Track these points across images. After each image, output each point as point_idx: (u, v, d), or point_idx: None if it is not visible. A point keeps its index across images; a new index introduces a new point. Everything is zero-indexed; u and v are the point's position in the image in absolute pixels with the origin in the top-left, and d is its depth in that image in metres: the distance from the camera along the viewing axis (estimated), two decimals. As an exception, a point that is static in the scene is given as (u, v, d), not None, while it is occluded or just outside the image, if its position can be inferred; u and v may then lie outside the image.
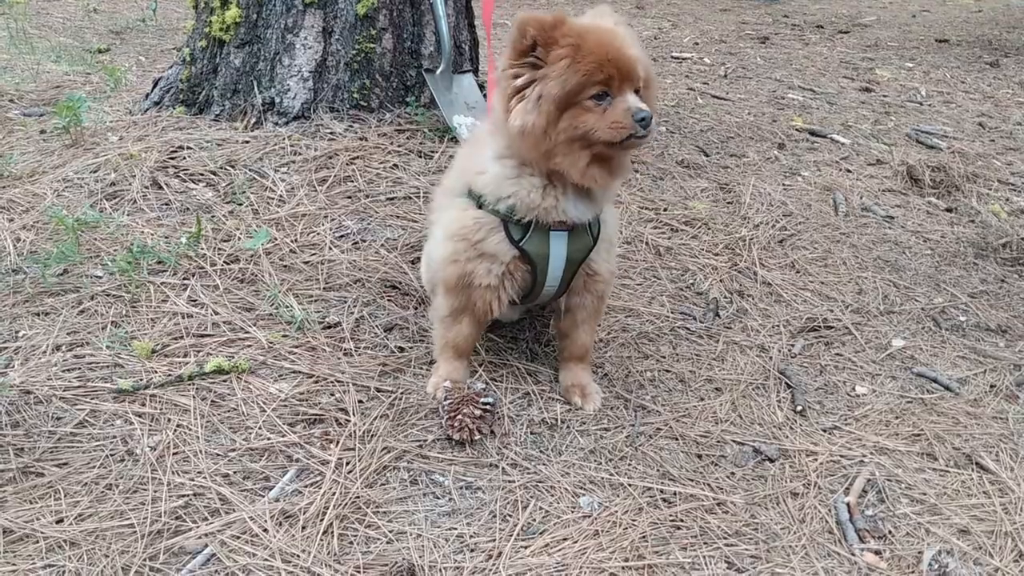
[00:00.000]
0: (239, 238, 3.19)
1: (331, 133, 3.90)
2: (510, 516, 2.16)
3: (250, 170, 3.60)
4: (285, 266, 3.10)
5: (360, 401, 2.51)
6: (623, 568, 2.02)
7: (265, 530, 2.03)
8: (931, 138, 5.27)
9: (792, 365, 2.91)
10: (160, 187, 3.47)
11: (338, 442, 2.33)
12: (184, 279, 2.96)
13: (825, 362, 2.96)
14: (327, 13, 3.96)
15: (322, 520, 2.08)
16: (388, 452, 2.32)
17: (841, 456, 2.48)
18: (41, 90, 4.90)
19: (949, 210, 4.32)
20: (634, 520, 2.17)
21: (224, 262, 3.06)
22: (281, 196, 3.47)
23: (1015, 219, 4.20)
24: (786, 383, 2.81)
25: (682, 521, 2.19)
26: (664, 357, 2.90)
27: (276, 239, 3.21)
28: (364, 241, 3.29)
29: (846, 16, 10.33)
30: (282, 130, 3.91)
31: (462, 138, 4.00)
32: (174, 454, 2.24)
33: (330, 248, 3.21)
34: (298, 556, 1.97)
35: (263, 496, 2.14)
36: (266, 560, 1.95)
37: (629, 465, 2.38)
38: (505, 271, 2.40)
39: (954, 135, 5.46)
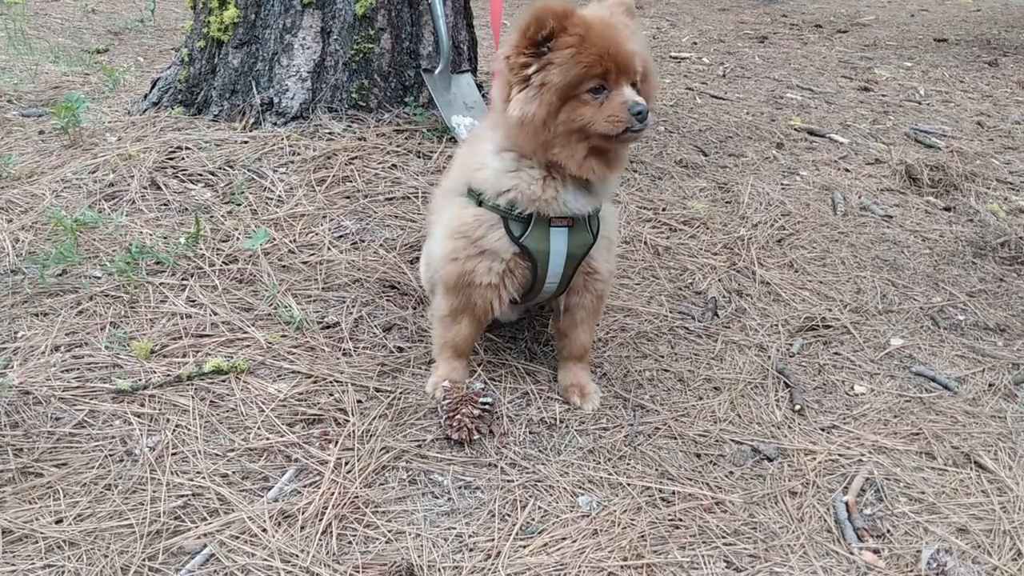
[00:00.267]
0: (238, 238, 3.19)
1: (330, 133, 3.90)
2: (509, 516, 2.16)
3: (249, 170, 3.60)
4: (284, 266, 3.10)
5: (359, 401, 2.51)
6: (622, 567, 2.02)
7: (264, 530, 2.03)
8: (930, 137, 5.28)
9: (791, 364, 2.91)
10: (159, 187, 3.47)
11: (337, 442, 2.33)
12: (183, 279, 2.96)
13: (824, 361, 2.96)
14: (325, 13, 3.96)
15: (321, 520, 2.08)
16: (387, 452, 2.32)
17: (839, 455, 2.49)
18: (39, 90, 4.90)
19: (947, 209, 4.32)
20: (633, 519, 2.17)
21: (223, 262, 3.06)
22: (280, 196, 3.48)
23: (1013, 218, 4.20)
24: (785, 382, 2.81)
25: (681, 520, 2.19)
26: (663, 356, 2.90)
27: (275, 239, 3.21)
28: (363, 241, 3.29)
29: (844, 15, 10.34)
30: (280, 130, 3.91)
31: (460, 138, 4.00)
32: (173, 454, 2.24)
33: (329, 248, 3.21)
34: (297, 556, 1.98)
35: (262, 496, 2.14)
36: (265, 560, 1.95)
37: (628, 464, 2.38)
38: (505, 269, 2.40)
39: (953, 134, 5.46)
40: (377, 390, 2.56)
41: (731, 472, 2.40)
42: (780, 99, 5.95)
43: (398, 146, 3.91)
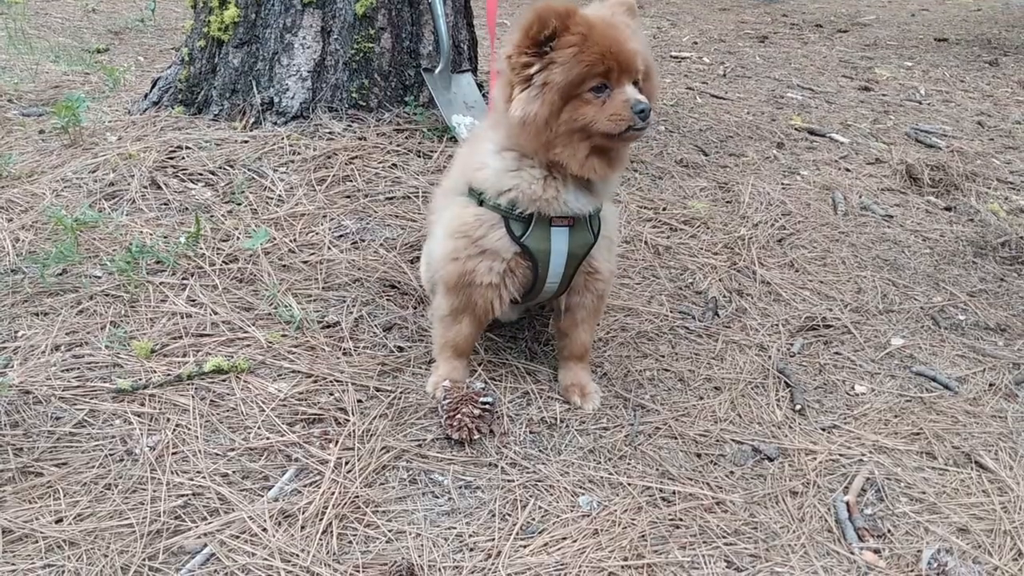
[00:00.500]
0: (238, 238, 3.19)
1: (330, 133, 3.90)
2: (509, 515, 2.16)
3: (249, 170, 3.60)
4: (284, 266, 3.09)
5: (359, 400, 2.51)
6: (622, 567, 2.02)
7: (264, 530, 2.03)
8: (930, 137, 5.28)
9: (791, 364, 2.91)
10: (159, 187, 3.47)
11: (337, 442, 2.33)
12: (183, 279, 2.96)
13: (824, 361, 2.96)
14: (325, 13, 3.96)
15: (321, 520, 2.08)
16: (387, 451, 2.32)
17: (840, 455, 2.48)
18: (40, 90, 4.90)
19: (948, 209, 4.32)
20: (633, 519, 2.17)
21: (223, 262, 3.06)
22: (280, 196, 3.47)
23: (1014, 218, 4.20)
24: (785, 382, 2.81)
25: (681, 520, 2.19)
26: (663, 356, 2.90)
27: (275, 239, 3.21)
28: (363, 240, 3.29)
29: (845, 15, 10.33)
30: (281, 130, 3.91)
31: (461, 137, 4.00)
32: (173, 454, 2.24)
33: (329, 248, 3.21)
34: (297, 556, 1.97)
35: (262, 496, 2.14)
36: (265, 560, 1.95)
37: (628, 464, 2.38)
38: (506, 268, 2.40)
39: (953, 134, 5.46)
40: (377, 390, 2.56)
41: (732, 472, 2.39)
42: (781, 99, 5.95)
43: (398, 145, 3.91)
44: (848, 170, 4.66)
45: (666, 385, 2.76)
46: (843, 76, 6.84)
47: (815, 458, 2.46)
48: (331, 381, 2.57)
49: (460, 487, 2.24)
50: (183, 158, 3.66)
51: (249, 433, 2.34)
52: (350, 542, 2.05)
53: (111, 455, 2.22)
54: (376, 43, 4.05)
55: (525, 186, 2.32)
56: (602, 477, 2.31)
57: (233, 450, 2.28)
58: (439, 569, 1.98)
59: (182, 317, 2.78)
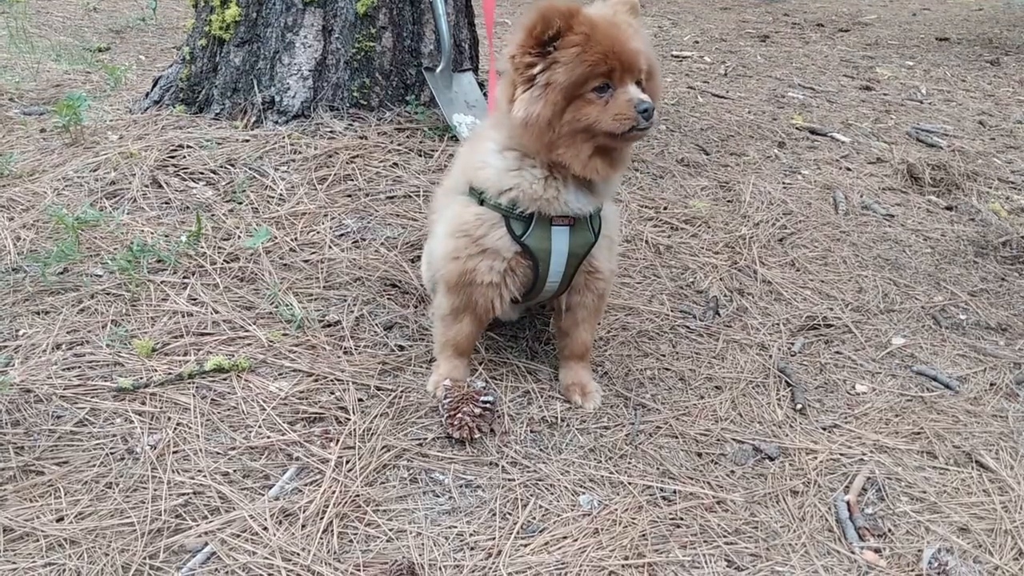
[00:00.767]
0: (239, 237, 3.19)
1: (331, 132, 3.90)
2: (510, 514, 2.16)
3: (250, 169, 3.60)
4: (285, 264, 3.10)
5: (360, 399, 2.51)
6: (623, 566, 2.02)
7: (265, 528, 2.03)
8: (931, 136, 5.27)
9: (792, 363, 2.91)
10: (160, 186, 3.47)
11: (338, 440, 2.33)
12: (184, 278, 2.96)
13: (825, 360, 2.96)
14: (327, 12, 3.96)
15: (322, 518, 2.08)
16: (388, 450, 2.32)
17: (841, 454, 2.48)
18: (41, 89, 4.90)
19: (949, 208, 4.31)
20: (634, 518, 2.17)
21: (224, 261, 3.06)
22: (281, 195, 3.48)
23: (1015, 217, 4.20)
24: (786, 381, 2.81)
25: (682, 519, 2.19)
26: (664, 355, 2.90)
27: (276, 237, 3.21)
28: (364, 239, 3.29)
29: (846, 14, 10.33)
30: (282, 129, 3.91)
31: (462, 136, 4.00)
32: (174, 452, 2.24)
33: (330, 246, 3.21)
34: (298, 554, 1.98)
35: (263, 494, 2.14)
36: (266, 558, 1.95)
37: (629, 463, 2.38)
38: (507, 268, 2.40)
39: (954, 133, 5.46)
40: (378, 388, 2.56)
41: (732, 471, 2.39)
42: (782, 98, 5.95)
43: (399, 145, 3.91)
44: (849, 169, 4.66)
45: (667, 384, 2.76)
46: (844, 75, 6.84)
47: (816, 457, 2.46)
48: (332, 380, 2.57)
49: (461, 486, 2.24)
50: (184, 157, 3.66)
51: (250, 432, 2.35)
52: (351, 541, 2.05)
53: (112, 454, 2.22)
54: (377, 42, 4.05)
55: (526, 185, 2.32)
56: (603, 476, 2.31)
57: (234, 449, 2.28)
58: (440, 568, 1.98)
59: (183, 316, 2.78)
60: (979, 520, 2.28)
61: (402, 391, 2.56)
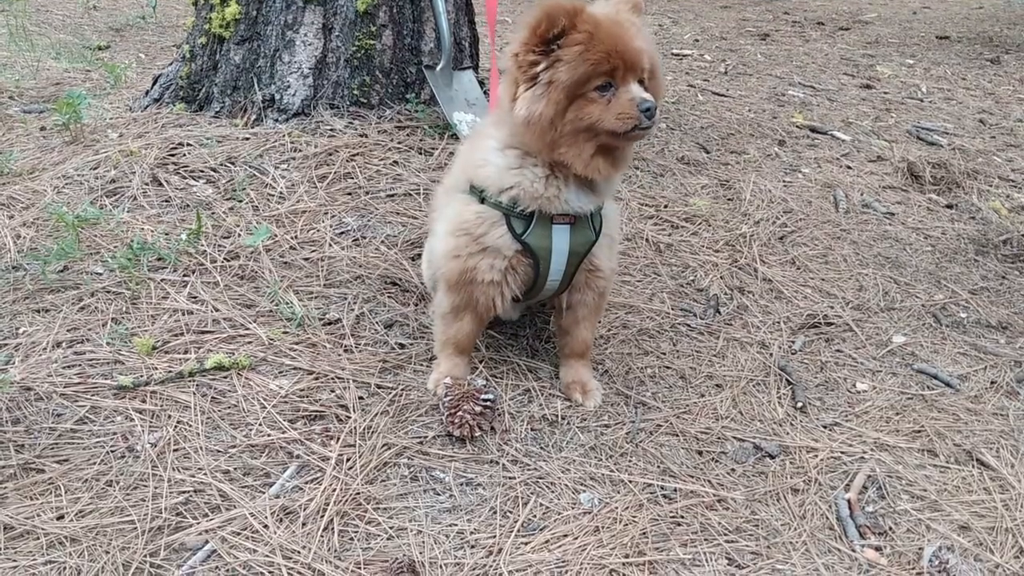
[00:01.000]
0: (239, 235, 3.18)
1: (331, 130, 3.90)
2: (510, 512, 2.16)
3: (250, 167, 3.60)
4: (285, 263, 3.09)
5: (360, 397, 2.51)
6: (623, 564, 2.02)
7: (266, 526, 2.03)
8: (932, 135, 5.27)
9: (792, 361, 2.91)
10: (160, 184, 3.47)
11: (338, 438, 2.33)
12: (184, 276, 2.96)
13: (825, 358, 2.96)
14: (327, 9, 3.95)
15: (322, 516, 2.08)
16: (388, 448, 2.32)
17: (841, 452, 2.48)
18: (41, 87, 4.90)
19: (950, 207, 4.31)
20: (634, 516, 2.17)
21: (224, 259, 3.06)
22: (281, 193, 3.47)
23: (1016, 216, 4.19)
24: (786, 379, 2.81)
25: (682, 517, 2.19)
26: (664, 354, 2.90)
27: (276, 236, 3.21)
28: (364, 238, 3.29)
29: (847, 13, 10.32)
30: (282, 127, 3.91)
31: (462, 135, 3.99)
32: (174, 450, 2.24)
33: (330, 245, 3.21)
34: (299, 552, 1.97)
35: (264, 492, 2.14)
36: (267, 556, 1.95)
37: (629, 461, 2.38)
38: (507, 266, 2.39)
39: (955, 132, 5.45)
40: (379, 387, 2.56)
41: (733, 469, 2.39)
42: (782, 96, 5.95)
43: (399, 143, 3.91)
44: (849, 168, 4.66)
45: (667, 382, 2.76)
46: (844, 74, 6.84)
47: (816, 455, 2.46)
48: (332, 378, 2.57)
49: (461, 484, 2.24)
50: (184, 155, 3.66)
51: (250, 430, 2.34)
52: (351, 539, 2.05)
53: (112, 452, 2.22)
54: (377, 40, 4.04)
55: (527, 184, 2.32)
56: (603, 474, 2.31)
57: (234, 447, 2.28)
58: (440, 566, 1.98)
59: (183, 314, 2.78)
60: (980, 518, 2.28)
61: (402, 389, 2.56)
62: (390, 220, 3.41)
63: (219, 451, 2.26)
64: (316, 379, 2.56)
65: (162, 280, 2.92)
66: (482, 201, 2.38)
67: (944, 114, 5.88)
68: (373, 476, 2.23)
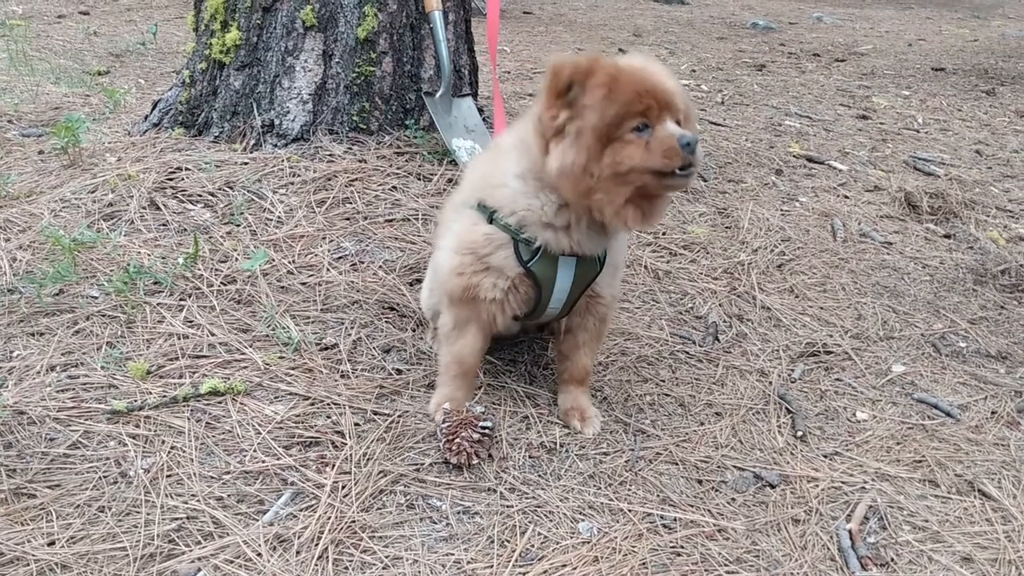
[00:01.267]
0: (236, 259, 3.17)
1: (330, 155, 3.90)
2: (508, 541, 2.13)
3: (248, 191, 3.60)
4: (282, 287, 3.08)
5: (357, 424, 2.48)
6: (623, 595, 1.99)
7: (259, 554, 2.00)
8: (928, 165, 5.29)
9: (792, 390, 2.89)
10: (158, 208, 3.46)
11: (334, 465, 2.30)
12: (180, 300, 2.94)
13: (825, 387, 2.94)
14: (327, 36, 3.97)
15: (317, 544, 2.05)
16: (385, 476, 2.29)
17: (842, 482, 2.46)
18: (40, 111, 4.91)
19: (947, 236, 4.32)
20: (634, 546, 2.14)
21: (221, 283, 3.04)
22: (279, 217, 3.47)
23: (1013, 246, 4.20)
24: (786, 408, 2.79)
25: (682, 547, 2.16)
26: (663, 381, 2.88)
27: (274, 260, 3.20)
28: (362, 263, 3.28)
29: (842, 44, 10.41)
30: (281, 152, 3.91)
31: (461, 161, 4.00)
32: (168, 476, 2.21)
33: (328, 269, 3.20)
34: (293, 581, 1.94)
35: (257, 520, 2.11)
36: (260, 585, 1.92)
37: (629, 490, 2.35)
38: (510, 285, 2.38)
39: (951, 162, 5.47)
40: (375, 413, 2.54)
41: (733, 499, 2.37)
42: (779, 126, 5.97)
43: (398, 168, 3.91)
44: (847, 197, 4.67)
45: (667, 410, 2.74)
46: (841, 104, 6.88)
47: (817, 485, 2.43)
48: (328, 404, 2.55)
49: (458, 512, 2.21)
50: (182, 179, 3.65)
51: (245, 456, 2.32)
52: (346, 568, 2.01)
53: (105, 477, 2.19)
54: (377, 67, 4.06)
55: (538, 207, 2.29)
56: (602, 503, 2.29)
57: (228, 473, 2.25)
58: (437, 596, 1.95)
59: (179, 338, 2.76)
60: (982, 550, 2.25)
61: (399, 415, 2.53)
62: (388, 245, 3.40)
63: (213, 477, 2.23)
64: (312, 405, 2.54)
65: (158, 304, 2.90)
66: (491, 221, 2.36)
67: (941, 145, 5.91)
68: (369, 504, 2.20)
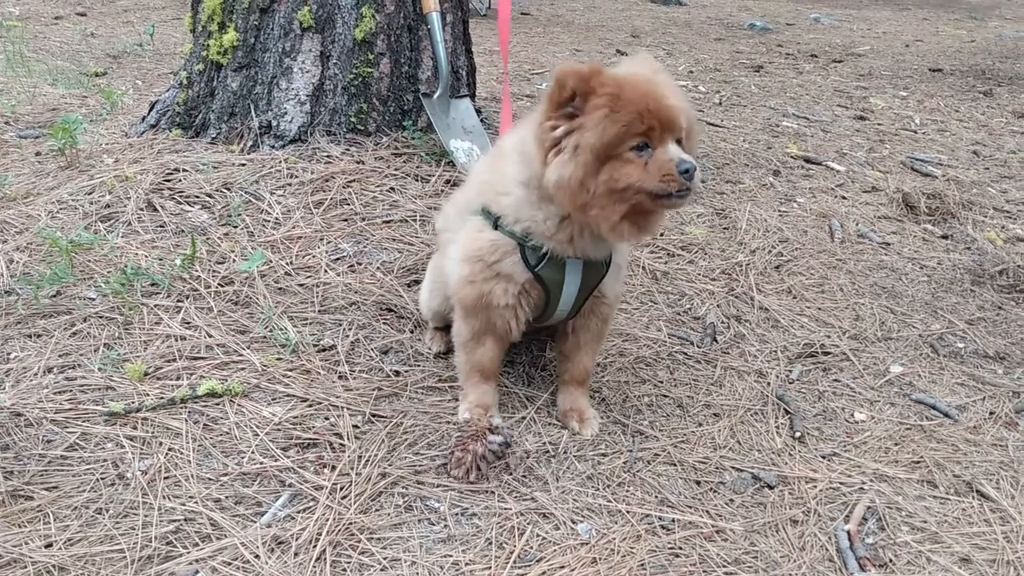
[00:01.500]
0: (234, 260, 3.17)
1: (328, 156, 3.90)
2: (506, 543, 2.13)
3: (246, 192, 3.59)
4: (280, 288, 3.08)
5: (355, 425, 2.48)
6: (621, 596, 1.99)
7: (257, 556, 2.00)
8: (926, 166, 5.29)
9: (790, 391, 2.89)
10: (155, 209, 3.46)
11: (332, 467, 2.30)
12: (178, 301, 2.93)
13: (823, 388, 2.94)
14: (325, 37, 3.97)
15: (315, 546, 2.04)
16: (383, 477, 2.29)
17: (841, 483, 2.46)
18: (37, 112, 4.90)
19: (945, 237, 4.32)
20: (632, 547, 2.13)
21: (218, 284, 3.04)
22: (277, 218, 3.46)
23: (1011, 246, 4.20)
24: (784, 409, 2.79)
25: (681, 549, 2.16)
26: (662, 382, 2.88)
27: (271, 261, 3.19)
28: (360, 264, 3.28)
29: (840, 45, 10.42)
30: (278, 153, 3.91)
31: (459, 162, 4.00)
32: (165, 478, 2.21)
33: (326, 271, 3.20)
34: (291, 583, 1.94)
35: (255, 521, 2.11)
36: (258, 587, 1.92)
37: (627, 491, 2.35)
38: (521, 290, 2.38)
39: (949, 163, 5.48)
40: (373, 414, 2.53)
41: (731, 500, 2.37)
42: (776, 127, 5.98)
43: (396, 169, 3.91)
44: (844, 198, 4.67)
45: (665, 411, 2.74)
46: (838, 105, 6.88)
47: (815, 486, 2.43)
48: (327, 405, 2.54)
49: (456, 514, 2.21)
50: (180, 180, 3.65)
51: (242, 458, 2.31)
52: (344, 569, 2.01)
53: (102, 479, 2.19)
54: (375, 68, 4.06)
55: (540, 220, 2.29)
56: (601, 504, 2.28)
57: (226, 475, 2.25)
58: (435, 597, 1.95)
59: (176, 340, 2.76)
60: (981, 550, 2.25)
61: (398, 417, 2.53)
62: (386, 246, 3.40)
63: (210, 479, 2.23)
64: (310, 406, 2.54)
65: (155, 306, 2.90)
66: (496, 227, 2.36)
67: (938, 145, 5.92)
68: (367, 505, 2.20)
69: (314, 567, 1.99)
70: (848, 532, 2.25)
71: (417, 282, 3.16)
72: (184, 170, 3.72)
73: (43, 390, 2.46)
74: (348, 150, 3.97)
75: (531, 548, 2.11)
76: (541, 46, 8.86)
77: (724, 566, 2.12)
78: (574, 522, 2.21)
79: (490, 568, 2.04)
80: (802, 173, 4.98)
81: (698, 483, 2.42)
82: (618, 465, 2.44)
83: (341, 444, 2.39)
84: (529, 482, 2.34)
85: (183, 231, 3.33)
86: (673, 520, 2.25)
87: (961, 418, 2.82)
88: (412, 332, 2.96)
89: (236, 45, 3.99)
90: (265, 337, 2.82)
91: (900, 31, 12.23)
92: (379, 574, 2.00)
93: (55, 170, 3.82)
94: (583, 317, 2.54)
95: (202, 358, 2.70)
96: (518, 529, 2.17)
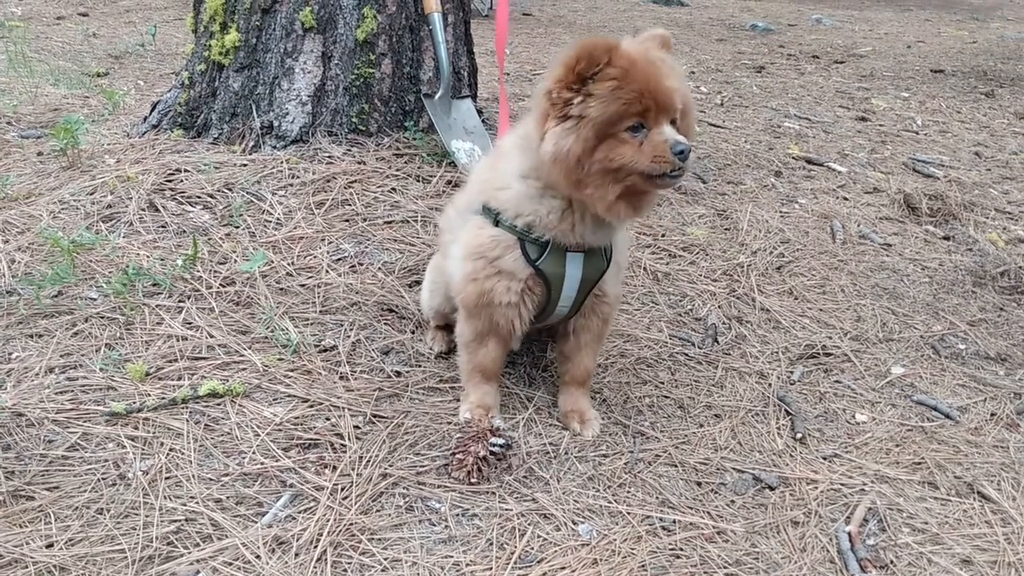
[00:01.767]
0: (235, 260, 3.17)
1: (329, 157, 3.90)
2: (507, 544, 2.13)
3: (247, 193, 3.59)
4: (281, 289, 3.08)
5: (356, 426, 2.48)
6: (622, 597, 1.99)
7: (258, 556, 2.00)
8: (928, 167, 5.29)
9: (791, 392, 2.89)
10: (157, 209, 3.46)
11: (333, 467, 2.30)
12: (179, 301, 2.94)
13: (824, 389, 2.94)
14: (327, 38, 3.97)
15: (316, 547, 2.04)
16: (384, 478, 2.29)
17: (842, 484, 2.46)
18: (39, 112, 4.90)
19: (946, 238, 4.32)
20: (633, 549, 2.13)
21: (220, 285, 3.04)
22: (278, 219, 3.46)
23: (1013, 248, 4.20)
24: (785, 410, 2.79)
25: (681, 550, 2.16)
26: (663, 383, 2.88)
27: (273, 262, 3.20)
28: (361, 264, 3.28)
29: (841, 46, 10.42)
30: (280, 153, 3.91)
31: (460, 163, 4.00)
32: (166, 478, 2.21)
33: (327, 271, 3.20)
34: (291, 583, 1.94)
35: (256, 522, 2.11)
36: (259, 587, 1.92)
37: (628, 492, 2.35)
38: (523, 287, 2.38)
39: (951, 164, 5.48)
40: (375, 415, 2.53)
41: (732, 501, 2.37)
42: (778, 128, 5.97)
43: (397, 170, 3.91)
44: (846, 199, 4.67)
45: (666, 412, 2.74)
46: (840, 106, 6.88)
47: (816, 487, 2.43)
48: (328, 406, 2.55)
49: (457, 515, 2.21)
50: (181, 181, 3.65)
51: (244, 458, 2.31)
52: (345, 570, 2.01)
53: (103, 479, 2.19)
54: (377, 68, 4.06)
55: (543, 213, 2.29)
56: (601, 505, 2.28)
57: (227, 475, 2.25)
58: (436, 598, 1.95)
59: (178, 340, 2.76)
60: (982, 552, 2.25)
61: (399, 417, 2.53)
62: (387, 247, 3.40)
63: (211, 479, 2.23)
64: (311, 407, 2.54)
65: (157, 306, 2.90)
66: (497, 223, 2.36)
67: (940, 147, 5.91)
68: (368, 506, 2.20)
69: (315, 567, 1.99)
70: (849, 533, 2.25)
71: (418, 283, 3.16)
72: (186, 170, 3.72)
73: (44, 390, 2.47)
74: (350, 151, 3.97)
75: (532, 549, 2.12)
76: (543, 47, 8.86)
77: (725, 567, 2.12)
78: (575, 523, 2.21)
79: (491, 569, 2.04)
80: (804, 174, 4.98)
81: (699, 484, 2.42)
82: (619, 466, 2.44)
83: (342, 444, 2.39)
84: (530, 483, 2.34)
85: (185, 231, 3.33)
86: (674, 521, 2.25)
87: (962, 419, 2.82)
88: (413, 333, 2.97)
89: (238, 45, 3.99)
90: (266, 337, 2.82)
91: (902, 32, 12.22)
92: (380, 575, 2.00)
93: (57, 170, 3.82)
94: (584, 317, 2.54)
95: (203, 358, 2.70)
96: (519, 530, 2.17)
